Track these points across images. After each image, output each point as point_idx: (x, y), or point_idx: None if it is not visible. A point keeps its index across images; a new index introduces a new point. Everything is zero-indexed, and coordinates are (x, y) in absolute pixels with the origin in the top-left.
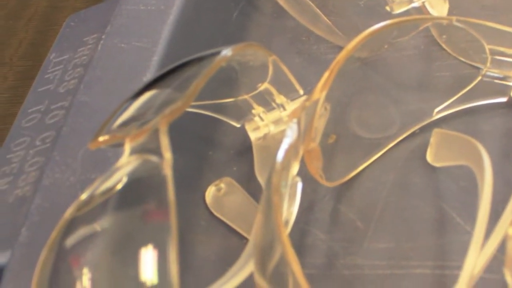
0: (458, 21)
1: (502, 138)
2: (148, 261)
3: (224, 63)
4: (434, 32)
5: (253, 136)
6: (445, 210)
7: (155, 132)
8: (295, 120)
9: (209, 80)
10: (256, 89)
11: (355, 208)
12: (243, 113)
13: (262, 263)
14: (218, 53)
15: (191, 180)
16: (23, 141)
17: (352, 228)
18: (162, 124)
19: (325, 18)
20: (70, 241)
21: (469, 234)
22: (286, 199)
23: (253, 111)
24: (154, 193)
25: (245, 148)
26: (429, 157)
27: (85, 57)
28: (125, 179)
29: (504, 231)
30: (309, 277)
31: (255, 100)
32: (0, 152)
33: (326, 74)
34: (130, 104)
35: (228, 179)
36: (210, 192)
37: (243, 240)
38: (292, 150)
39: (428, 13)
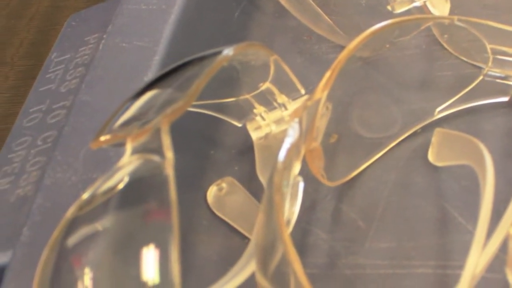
0: (459, 20)
1: (504, 137)
2: (149, 260)
3: (225, 63)
4: (435, 32)
5: (254, 135)
6: (447, 209)
7: (157, 132)
8: (296, 119)
9: (210, 79)
10: (257, 88)
11: (356, 208)
12: (244, 112)
13: (263, 263)
14: (219, 52)
15: (192, 179)
16: (25, 141)
17: (354, 227)
18: (163, 123)
19: (327, 18)
20: (72, 240)
21: (471, 233)
22: (287, 199)
23: (255, 110)
24: (155, 192)
25: (246, 148)
26: (430, 157)
27: (87, 56)
28: (126, 179)
29: (506, 231)
30: (311, 277)
31: (256, 99)
32: (1, 151)
33: (327, 74)
34: (131, 103)
35: (229, 178)
36: (211, 192)
37: (245, 239)
38: (294, 150)
39: (430, 12)
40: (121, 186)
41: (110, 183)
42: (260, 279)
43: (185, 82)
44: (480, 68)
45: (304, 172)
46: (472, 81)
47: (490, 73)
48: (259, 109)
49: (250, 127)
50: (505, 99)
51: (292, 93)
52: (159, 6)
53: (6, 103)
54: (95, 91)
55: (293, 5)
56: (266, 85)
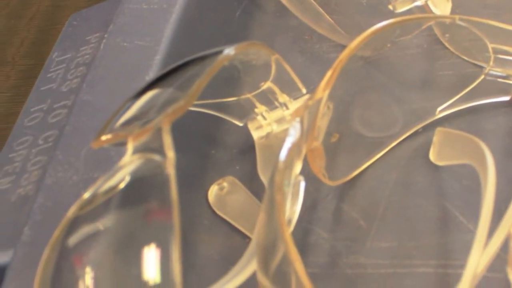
0: (461, 20)
1: (505, 136)
2: (151, 260)
3: (226, 62)
4: (437, 31)
5: (255, 135)
6: (448, 209)
7: (158, 131)
8: (298, 119)
9: (211, 79)
10: (259, 88)
11: (358, 207)
12: (245, 112)
13: (265, 262)
14: (220, 52)
15: (194, 179)
16: (26, 140)
17: (355, 227)
18: (165, 123)
19: (328, 17)
20: (73, 240)
21: (472, 233)
22: (289, 198)
23: (256, 110)
24: (156, 192)
25: (247, 147)
26: (432, 156)
27: (88, 56)
28: (127, 178)
29: (507, 230)
30: (312, 276)
31: (258, 99)
32: (2, 151)
33: (329, 73)
34: (132, 103)
35: (231, 178)
36: (213, 191)
37: (246, 239)
38: (295, 149)
39: (431, 12)
40: (122, 185)
41: (111, 183)
42: (261, 278)
43: (186, 82)
44: (481, 67)
45: (305, 172)
46: (474, 81)
47: (491, 72)
48: (260, 108)
49: (251, 126)
50: (506, 98)
51: (293, 92)
52: (160, 6)
53: (7, 102)
54: (96, 91)
55: (294, 5)
56: (267, 85)
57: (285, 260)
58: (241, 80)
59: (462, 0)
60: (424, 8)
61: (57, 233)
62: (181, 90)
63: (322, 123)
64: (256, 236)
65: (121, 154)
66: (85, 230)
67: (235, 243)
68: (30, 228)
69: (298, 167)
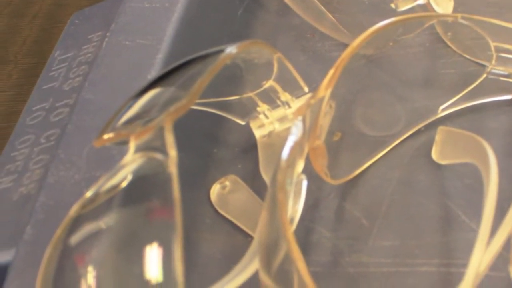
0: (463, 18)
1: (508, 135)
2: (153, 259)
3: (228, 61)
4: (439, 30)
5: (258, 133)
6: (451, 207)
7: (160, 130)
8: (300, 117)
9: (213, 77)
10: (261, 86)
11: (360, 206)
12: (248, 110)
13: (267, 261)
14: (222, 50)
15: (196, 178)
16: (28, 139)
17: (357, 225)
18: (167, 122)
19: (330, 16)
20: (75, 239)
21: (474, 231)
22: (291, 197)
23: (258, 108)
24: (159, 191)
25: (250, 146)
26: (434, 155)
27: (90, 54)
28: (130, 177)
29: (510, 229)
30: (314, 275)
31: (260, 97)
32: (4, 150)
33: (331, 72)
34: (134, 101)
35: (233, 176)
36: (215, 190)
37: (248, 238)
38: (297, 148)
39: (433, 10)
40: (124, 184)
41: (113, 181)
42: (264, 277)
43: (188, 80)
44: (483, 66)
45: (308, 170)
46: (476, 79)
47: (493, 71)
48: (262, 107)
49: (253, 125)
50: (508, 97)
51: (295, 91)
52: (162, 4)
53: (9, 101)
54: (98, 89)
55: (297, 3)
56: (269, 83)
57: (287, 259)
58: (243, 79)
59: None
60: (426, 7)
61: (59, 232)
62: (183, 89)
63: (324, 121)
64: (258, 235)
65: (123, 153)
66: (87, 228)
67: (237, 242)
68: (32, 227)
69: (300, 165)
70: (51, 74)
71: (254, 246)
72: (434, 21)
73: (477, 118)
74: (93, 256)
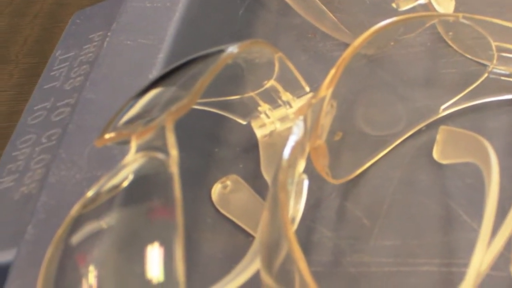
0: (464, 18)
1: (509, 135)
2: (154, 258)
3: (230, 60)
4: (440, 29)
5: (259, 133)
6: (452, 207)
7: (161, 130)
8: (301, 117)
9: (215, 77)
10: (262, 86)
11: (361, 206)
12: (249, 110)
13: (268, 261)
14: (224, 50)
15: (197, 177)
16: (29, 139)
17: (359, 225)
18: (168, 121)
19: (331, 15)
20: (76, 238)
21: (475, 231)
22: (292, 197)
23: (259, 108)
24: (160, 190)
25: (251, 146)
26: (435, 154)
27: (91, 54)
28: (131, 177)
29: (511, 229)
30: (316, 275)
31: (261, 97)
32: (6, 149)
33: (332, 71)
34: (136, 101)
35: (234, 176)
36: (216, 190)
37: (249, 237)
38: (299, 148)
39: (435, 10)
40: (125, 184)
41: (114, 181)
42: (265, 277)
43: (190, 80)
44: (485, 65)
45: (309, 170)
46: (477, 79)
47: (495, 70)
48: (263, 106)
49: (254, 124)
50: (509, 96)
51: (296, 90)
52: (163, 4)
53: (10, 100)
54: (100, 89)
55: (298, 3)
56: (270, 83)
57: (289, 259)
58: (244, 79)
59: None
60: (427, 6)
61: (60, 231)
62: (185, 89)
63: (326, 121)
64: (259, 234)
65: (124, 153)
66: (88, 228)
67: (238, 241)
68: (34, 227)
69: (301, 165)
70: (52, 73)
71: (255, 245)
72: (435, 21)
73: (478, 117)
74: (94, 256)
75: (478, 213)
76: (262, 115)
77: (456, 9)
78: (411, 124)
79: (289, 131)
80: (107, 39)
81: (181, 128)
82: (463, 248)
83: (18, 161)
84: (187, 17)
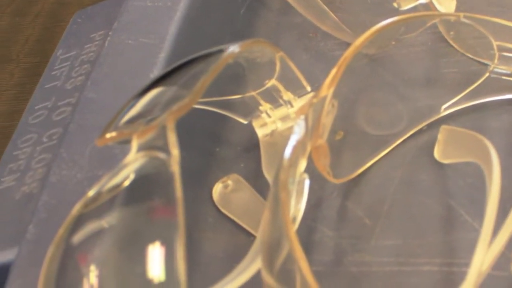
0: (465, 17)
1: (510, 134)
2: (155, 258)
3: (231, 60)
4: (441, 29)
5: (260, 132)
6: (453, 207)
7: (163, 129)
8: (302, 116)
9: (216, 76)
10: (263, 85)
11: (362, 205)
12: (250, 109)
13: (269, 260)
14: (225, 49)
15: (198, 177)
16: (30, 138)
17: (360, 225)
18: (169, 120)
19: (332, 15)
20: (77, 238)
21: (477, 231)
22: (293, 196)
23: (261, 107)
24: (161, 190)
25: (252, 145)
26: (436, 154)
27: (92, 53)
28: (132, 176)
29: None
30: (317, 274)
31: (262, 96)
32: (7, 149)
33: (333, 71)
34: (137, 100)
35: (235, 175)
36: (217, 189)
37: (251, 237)
38: (300, 147)
39: (436, 9)
40: (126, 183)
41: (115, 181)
42: (266, 276)
43: (191, 79)
44: (486, 65)
45: (310, 170)
46: (478, 78)
47: (496, 70)
48: (265, 106)
49: (255, 124)
50: (511, 96)
51: (298, 90)
52: (164, 3)
53: (11, 100)
54: (101, 88)
55: (299, 2)
56: (272, 82)
57: (290, 258)
58: (245, 78)
59: None
60: (428, 6)
61: (61, 231)
62: (186, 88)
63: (327, 121)
64: (260, 234)
65: (125, 152)
66: (89, 228)
67: (239, 241)
68: (35, 226)
69: (302, 165)
70: (53, 73)
71: (256, 245)
72: (436, 20)
73: (479, 117)
74: (95, 255)
75: (479, 213)
76: (263, 115)
77: (457, 9)
78: (412, 123)
79: (290, 130)
80: (108, 38)
81: (182, 128)
82: (464, 247)
83: (19, 161)
84: (188, 16)
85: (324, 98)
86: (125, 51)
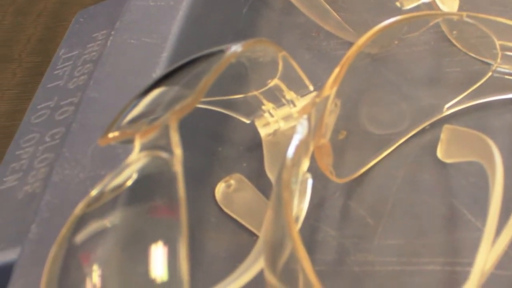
0: (468, 16)
1: None
2: (158, 258)
3: (234, 59)
4: (444, 28)
5: (263, 132)
6: (456, 206)
7: (165, 129)
8: (305, 116)
9: (218, 76)
10: (266, 85)
11: (365, 205)
12: (253, 109)
13: (272, 260)
14: (227, 49)
15: (201, 176)
16: (33, 138)
17: (363, 224)
18: (172, 120)
19: (335, 14)
20: (80, 237)
21: (480, 230)
22: (296, 196)
23: (263, 107)
24: (164, 189)
25: (255, 145)
26: (439, 153)
27: (95, 53)
28: (135, 176)
29: None
30: (320, 274)
31: (265, 96)
32: (9, 148)
33: (336, 70)
34: (139, 100)
35: (238, 175)
36: (220, 189)
37: (253, 236)
38: (303, 146)
39: (438, 8)
40: (129, 183)
41: (118, 180)
42: (269, 276)
43: (193, 79)
44: (489, 64)
45: (313, 169)
46: (481, 78)
47: (499, 69)
48: (267, 105)
49: (258, 123)
50: None
51: (300, 89)
52: (167, 3)
53: (14, 99)
54: (103, 88)
55: (302, 2)
56: (274, 82)
57: (293, 258)
58: (248, 77)
59: None
60: (431, 5)
61: (64, 230)
62: (188, 88)
63: (330, 120)
64: (263, 233)
65: (128, 152)
66: (92, 227)
67: (242, 240)
68: (37, 226)
69: (305, 164)
70: (55, 72)
71: (259, 245)
72: (439, 20)
73: (482, 116)
74: (98, 255)
75: (482, 212)
76: (266, 114)
77: (460, 8)
78: (415, 123)
79: (293, 130)
80: (111, 38)
81: (185, 127)
82: (467, 247)
83: (21, 160)
84: (191, 16)
85: (327, 98)
86: (127, 50)
